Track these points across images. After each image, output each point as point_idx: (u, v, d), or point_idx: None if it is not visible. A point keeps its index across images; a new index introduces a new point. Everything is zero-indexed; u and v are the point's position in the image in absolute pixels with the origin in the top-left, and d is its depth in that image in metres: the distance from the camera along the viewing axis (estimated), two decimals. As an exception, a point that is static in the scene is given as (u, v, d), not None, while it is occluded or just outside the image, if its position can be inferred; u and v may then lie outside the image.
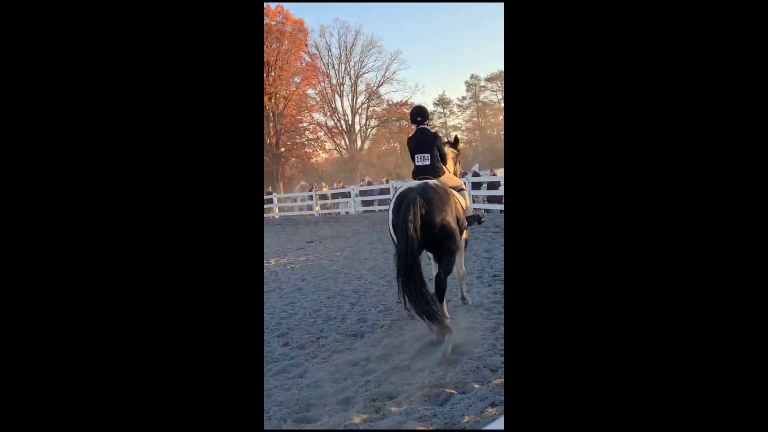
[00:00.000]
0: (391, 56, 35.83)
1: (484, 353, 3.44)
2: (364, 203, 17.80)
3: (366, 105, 35.90)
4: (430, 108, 33.98)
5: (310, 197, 19.63)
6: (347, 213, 17.79)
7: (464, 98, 39.50)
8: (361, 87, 35.63)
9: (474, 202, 11.30)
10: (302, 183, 26.03)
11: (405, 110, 35.58)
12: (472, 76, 39.00)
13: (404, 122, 35.96)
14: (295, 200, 21.62)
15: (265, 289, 6.89)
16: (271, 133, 31.77)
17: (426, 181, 4.08)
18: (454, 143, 5.03)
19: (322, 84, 34.96)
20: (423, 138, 4.38)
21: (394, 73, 35.34)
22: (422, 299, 3.58)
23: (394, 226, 3.86)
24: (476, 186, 12.07)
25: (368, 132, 36.55)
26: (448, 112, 38.71)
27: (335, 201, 18.99)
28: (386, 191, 17.19)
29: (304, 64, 34.02)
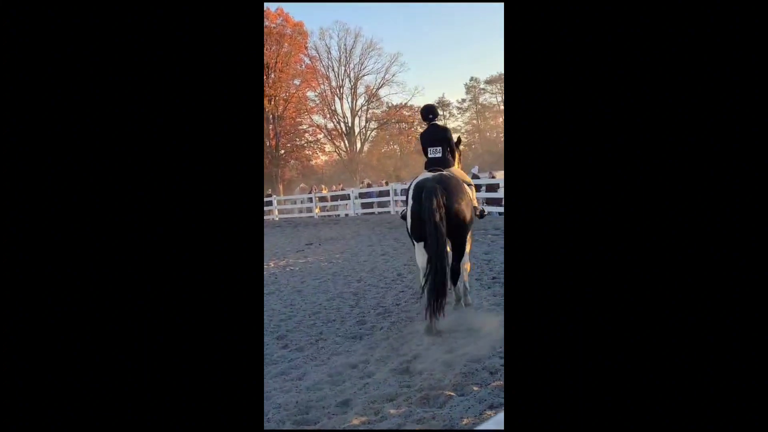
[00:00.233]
0: (391, 58, 35.94)
1: (483, 356, 3.45)
2: (364, 205, 17.80)
3: (366, 107, 35.96)
4: (429, 110, 34.18)
5: (310, 199, 19.64)
6: (347, 215, 17.79)
7: (464, 100, 39.60)
8: (361, 89, 35.72)
9: (473, 204, 11.28)
10: (302, 185, 26.05)
11: (404, 112, 35.65)
12: (471, 79, 39.12)
13: (404, 125, 36.02)
14: (295, 202, 21.63)
15: (265, 291, 6.89)
16: (271, 136, 31.80)
17: (441, 172, 4.38)
18: (456, 144, 5.11)
19: (322, 86, 35.02)
20: (435, 132, 4.73)
21: (393, 75, 35.44)
22: (443, 291, 3.90)
23: (414, 212, 4.12)
24: (475, 188, 12.05)
25: (368, 134, 36.61)
26: (448, 115, 38.73)
27: (335, 203, 18.99)
28: (386, 193, 17.20)
29: (303, 66, 34.08)
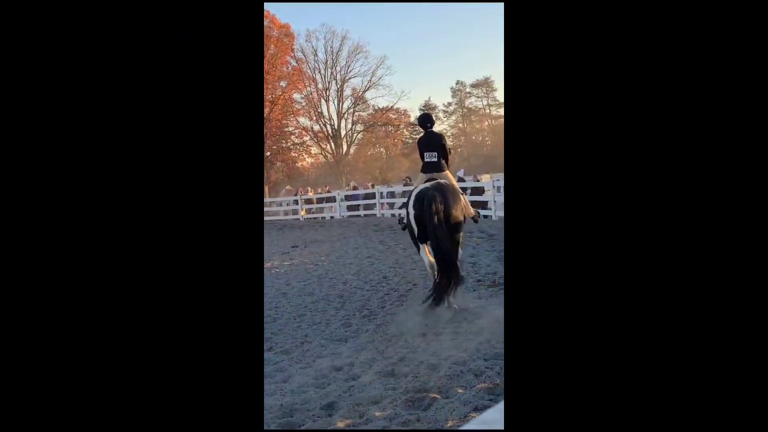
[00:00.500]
0: (378, 61, 35.85)
1: (468, 358, 3.46)
2: (350, 208, 17.77)
3: (352, 110, 35.89)
4: (415, 113, 34.28)
5: (296, 202, 19.58)
6: (332, 218, 17.76)
7: (449, 104, 39.67)
8: (347, 92, 35.63)
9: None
10: (288, 187, 25.98)
11: (391, 115, 35.68)
12: (457, 82, 39.16)
13: (390, 127, 36.05)
14: (281, 204, 21.55)
15: (250, 293, 6.84)
16: (257, 138, 31.56)
17: (438, 181, 4.88)
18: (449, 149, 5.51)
19: (308, 88, 34.89)
20: (431, 139, 5.21)
21: (380, 78, 35.35)
22: (456, 269, 4.64)
23: (416, 217, 4.73)
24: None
25: (354, 137, 36.52)
26: (434, 118, 38.79)
27: (320, 205, 18.95)
28: (372, 196, 17.19)
29: (290, 68, 33.93)
